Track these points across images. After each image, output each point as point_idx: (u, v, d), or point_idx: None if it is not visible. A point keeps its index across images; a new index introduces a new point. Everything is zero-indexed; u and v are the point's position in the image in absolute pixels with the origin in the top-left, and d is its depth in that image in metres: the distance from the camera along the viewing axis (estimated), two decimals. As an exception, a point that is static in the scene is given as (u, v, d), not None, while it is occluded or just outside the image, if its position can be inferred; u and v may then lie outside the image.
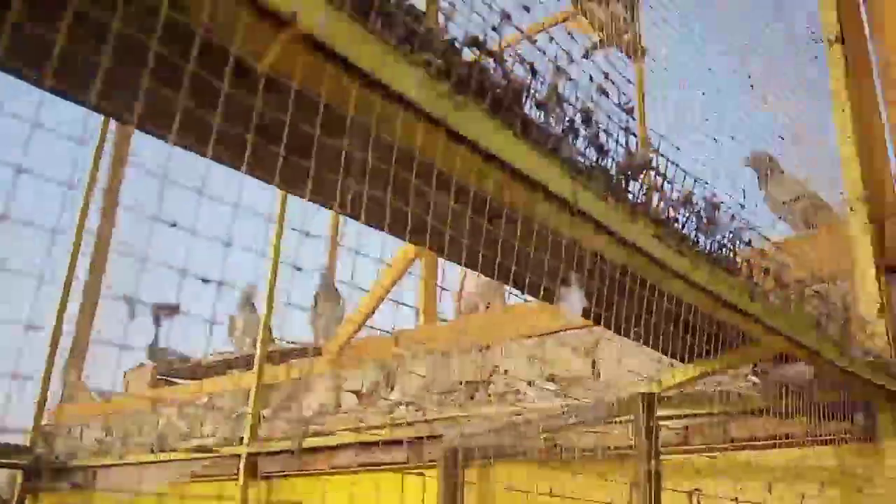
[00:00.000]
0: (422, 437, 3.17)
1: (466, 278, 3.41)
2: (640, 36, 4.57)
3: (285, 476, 3.53)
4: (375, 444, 3.14)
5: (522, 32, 0.96)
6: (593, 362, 3.06)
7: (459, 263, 1.15)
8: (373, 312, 3.60)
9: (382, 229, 0.96)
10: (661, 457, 2.68)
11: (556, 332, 3.05)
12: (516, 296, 3.56)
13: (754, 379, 2.59)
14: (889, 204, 2.45)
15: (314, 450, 3.33)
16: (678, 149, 1.33)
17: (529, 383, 3.05)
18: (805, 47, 2.58)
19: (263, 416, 3.73)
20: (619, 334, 1.72)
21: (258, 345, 3.75)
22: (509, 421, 2.75)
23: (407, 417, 3.27)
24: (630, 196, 1.20)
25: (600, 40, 4.58)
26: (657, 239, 1.23)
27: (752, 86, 1.92)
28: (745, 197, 1.54)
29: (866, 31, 2.69)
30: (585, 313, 1.25)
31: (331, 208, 0.89)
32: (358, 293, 3.50)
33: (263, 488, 3.56)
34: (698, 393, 2.59)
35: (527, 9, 1.45)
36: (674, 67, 3.18)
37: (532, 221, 1.03)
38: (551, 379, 3.04)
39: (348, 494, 3.17)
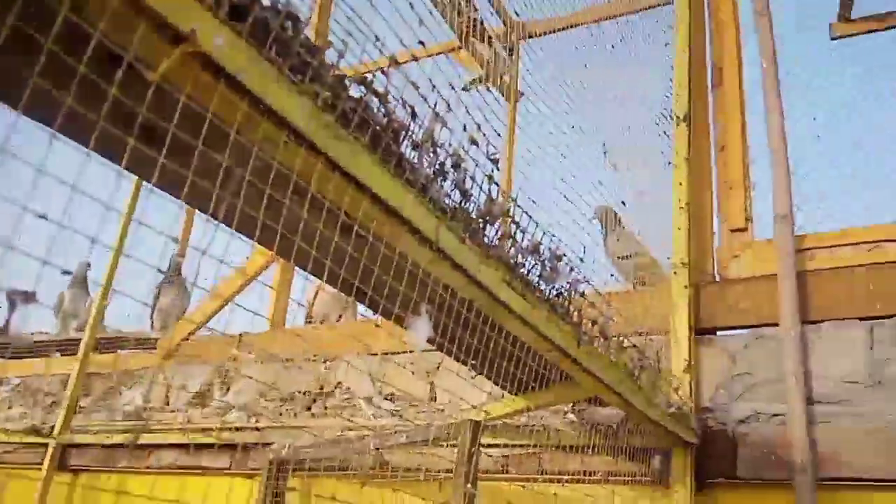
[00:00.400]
0: (249, 444, 3.12)
1: (320, 289, 3.42)
2: (517, 79, 4.81)
3: (97, 471, 3.33)
4: (202, 446, 3.05)
5: (409, 80, 1.02)
6: (431, 385, 3.16)
7: (320, 279, 1.19)
8: (217, 311, 3.51)
9: (251, 239, 0.98)
10: (480, 482, 2.82)
11: (399, 352, 3.12)
12: (363, 315, 3.60)
13: (572, 417, 2.80)
14: (707, 273, 2.76)
15: (138, 446, 3.18)
16: (533, 202, 1.45)
17: (367, 400, 3.10)
18: (658, 120, 2.85)
19: (81, 406, 3.50)
20: (458, 363, 1.83)
21: (86, 329, 3.53)
22: (342, 435, 2.78)
23: (237, 422, 3.20)
24: (486, 240, 1.29)
25: (481, 77, 4.76)
26: (505, 282, 1.34)
27: (605, 152, 2.11)
28: (584, 252, 1.69)
29: (710, 115, 3.03)
30: (430, 341, 1.33)
31: (203, 211, 0.91)
32: (204, 291, 3.40)
33: (72, 481, 3.34)
34: (520, 426, 2.76)
35: (422, 43, 1.53)
36: (543, 116, 3.38)
37: (394, 252, 1.09)
38: (389, 398, 3.11)
39: (172, 494, 3.05)
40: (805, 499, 2.33)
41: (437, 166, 1.17)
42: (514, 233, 1.41)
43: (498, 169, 1.32)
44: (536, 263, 1.50)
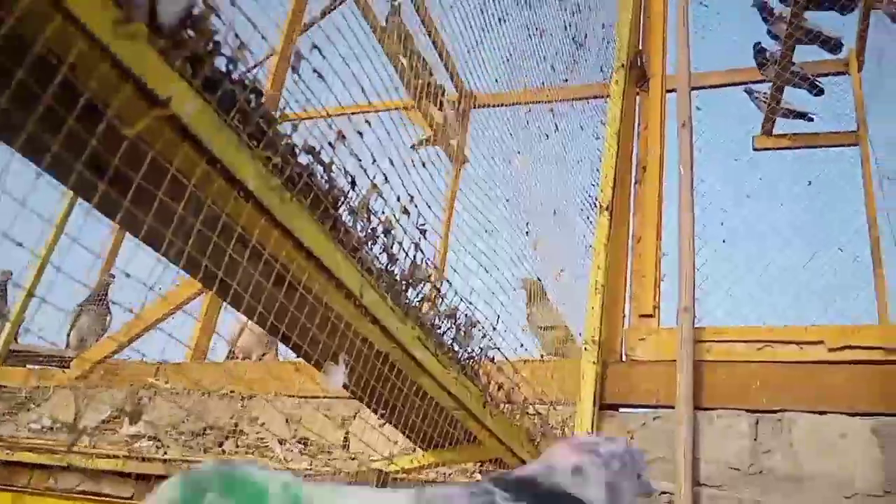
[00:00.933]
0: (153, 475, 3.09)
1: (245, 327, 3.46)
2: (465, 145, 5.02)
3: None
4: (106, 472, 3.01)
5: (354, 154, 1.16)
6: (346, 434, 3.22)
7: (250, 319, 1.29)
8: (138, 336, 3.49)
9: (194, 278, 1.08)
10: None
11: (317, 397, 3.18)
12: (284, 356, 3.63)
13: (478, 476, 2.91)
14: (615, 352, 2.95)
15: (33, 466, 3.10)
16: (455, 270, 1.59)
17: (280, 441, 3.13)
18: (583, 206, 3.07)
19: (-18, 420, 3.40)
20: (372, 412, 1.92)
21: (-1, 341, 3.46)
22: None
23: (145, 452, 3.17)
24: (406, 301, 1.42)
25: (429, 138, 4.96)
26: (420, 342, 1.46)
27: (527, 232, 2.28)
28: (499, 321, 1.83)
29: (631, 207, 3.28)
30: (345, 387, 1.43)
31: (155, 250, 1.01)
32: (127, 314, 3.39)
33: (-41, 499, 3.22)
34: (427, 481, 2.85)
35: (372, 104, 1.67)
36: (484, 184, 3.56)
37: (321, 303, 1.21)
38: (303, 441, 3.15)
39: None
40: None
41: (368, 231, 1.31)
42: (434, 297, 1.54)
43: (425, 238, 1.46)
44: (452, 327, 1.63)
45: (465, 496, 0.49)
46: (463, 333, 1.68)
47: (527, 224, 2.24)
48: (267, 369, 3.31)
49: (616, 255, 3.06)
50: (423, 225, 1.45)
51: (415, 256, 1.44)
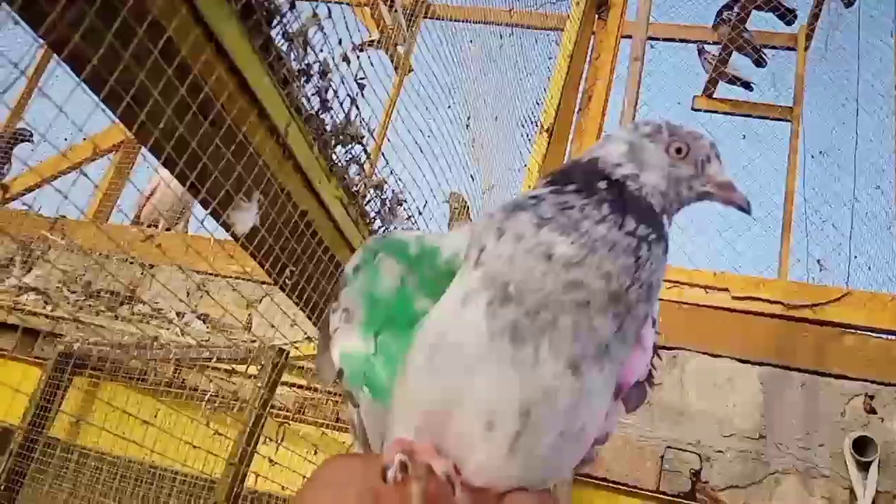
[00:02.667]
0: (40, 331, 2.94)
1: (159, 187, 3.26)
2: (411, 53, 4.83)
3: None
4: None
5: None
6: (249, 316, 3.13)
7: (158, 155, 1.16)
8: (37, 187, 3.26)
9: (108, 106, 0.95)
10: (278, 420, 2.84)
11: (224, 276, 3.07)
12: (202, 225, 3.49)
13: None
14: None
15: None
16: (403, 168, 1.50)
17: (179, 314, 3.02)
18: (524, 123, 3.00)
19: None
20: (284, 289, 1.83)
21: None
22: (141, 343, 2.69)
23: (31, 306, 3.00)
24: (333, 155, 1.33)
25: (378, 40, 4.75)
26: (340, 202, 1.38)
27: (467, 125, 2.21)
28: (426, 206, 1.77)
29: (571, 134, 3.25)
30: (250, 242, 1.33)
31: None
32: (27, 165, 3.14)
33: None
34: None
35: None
36: (428, 93, 3.43)
37: (237, 134, 1.10)
38: (203, 318, 3.05)
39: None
40: (563, 491, 2.56)
41: (303, 66, 1.20)
42: (362, 162, 1.45)
43: (363, 95, 1.36)
44: (377, 199, 1.55)
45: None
46: (388, 209, 1.60)
47: (468, 118, 2.15)
48: (174, 240, 3.16)
49: (549, 178, 3.03)
50: (363, 79, 1.35)
51: (349, 111, 1.34)
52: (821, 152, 4.16)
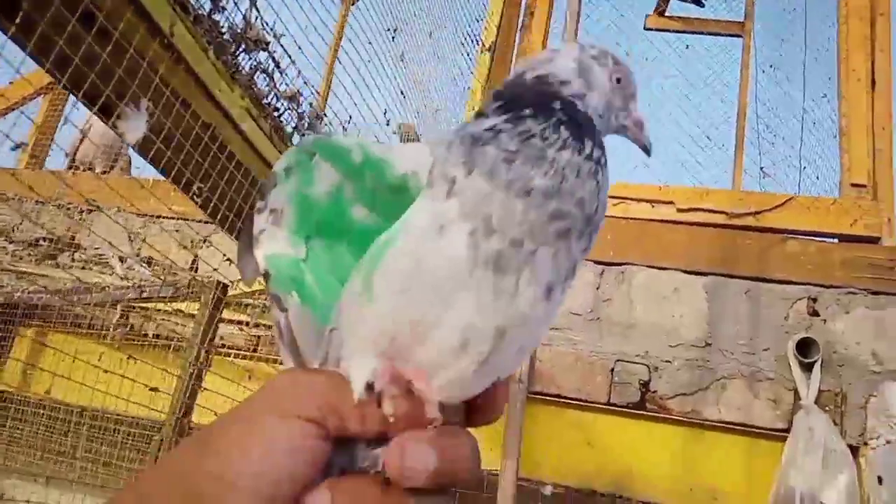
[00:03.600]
0: (-21, 285, 2.85)
1: (91, 130, 3.14)
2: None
3: None
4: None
5: None
6: (195, 257, 3.07)
7: (42, 64, 1.09)
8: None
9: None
10: (229, 359, 2.82)
11: (166, 217, 3.00)
12: (138, 168, 3.38)
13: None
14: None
15: None
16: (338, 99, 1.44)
17: (121, 259, 2.95)
18: (464, 41, 2.93)
19: None
20: (219, 223, 1.78)
21: None
22: (81, 289, 2.63)
23: (-33, 259, 2.91)
24: (234, 62, 1.27)
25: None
26: (248, 112, 1.33)
27: (401, 58, 2.14)
28: (350, 120, 1.71)
29: (515, 49, 3.18)
30: (147, 153, 1.26)
31: None
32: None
33: None
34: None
35: None
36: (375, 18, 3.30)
37: (112, 32, 1.03)
38: (146, 261, 2.98)
39: None
40: (516, 407, 2.59)
41: (188, -38, 1.13)
42: (271, 71, 1.39)
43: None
44: (292, 111, 1.50)
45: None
46: (306, 124, 1.55)
47: (401, 56, 2.08)
48: (112, 183, 3.06)
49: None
50: (262, -20, 1.28)
51: (247, 12, 1.27)
52: (771, 66, 4.15)
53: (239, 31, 1.27)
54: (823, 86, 3.81)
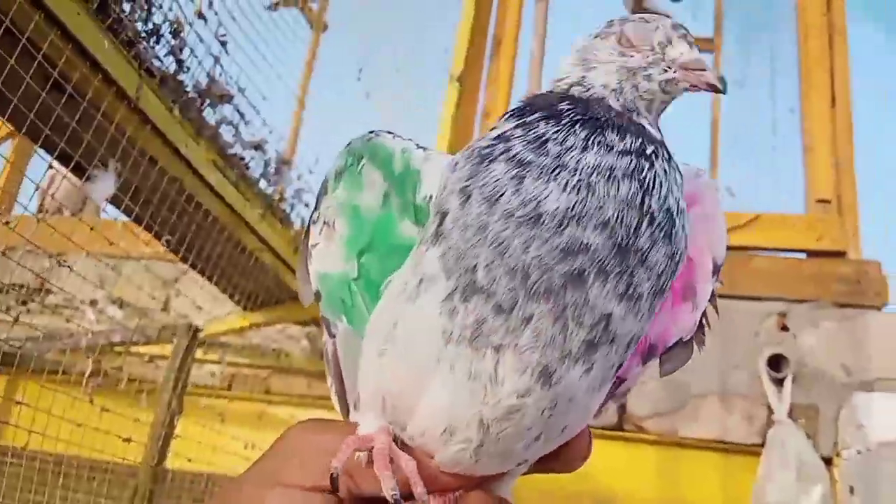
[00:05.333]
0: (-53, 334, 2.80)
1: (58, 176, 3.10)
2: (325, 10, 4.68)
3: None
4: None
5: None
6: (167, 297, 3.05)
7: (16, 129, 1.10)
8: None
9: None
10: (203, 398, 2.79)
11: (138, 258, 2.97)
12: (105, 212, 3.35)
13: (305, 343, 2.87)
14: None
15: None
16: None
17: (92, 302, 2.92)
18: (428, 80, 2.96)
19: None
20: (191, 267, 1.78)
21: None
22: (52, 334, 2.60)
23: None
24: (199, 117, 1.28)
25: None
26: (215, 165, 1.34)
27: (358, 78, 2.17)
28: (317, 162, 1.73)
29: (484, 77, 3.22)
30: (118, 209, 1.27)
31: None
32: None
33: None
34: (251, 345, 2.78)
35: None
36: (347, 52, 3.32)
37: (80, 101, 1.05)
38: (118, 302, 2.95)
39: None
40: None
41: (149, 26, 1.14)
42: (236, 123, 1.41)
43: (226, 50, 1.31)
44: (259, 160, 1.51)
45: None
46: (273, 170, 1.56)
47: (359, 71, 2.11)
48: (81, 225, 3.03)
49: (463, 129, 3.01)
50: (224, 36, 1.30)
51: (212, 70, 1.29)
52: (736, 81, 4.21)
53: (204, 87, 1.28)
54: (791, 101, 3.89)
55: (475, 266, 0.36)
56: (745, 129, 3.98)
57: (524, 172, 0.36)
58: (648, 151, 0.38)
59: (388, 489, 0.36)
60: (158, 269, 2.99)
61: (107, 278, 2.96)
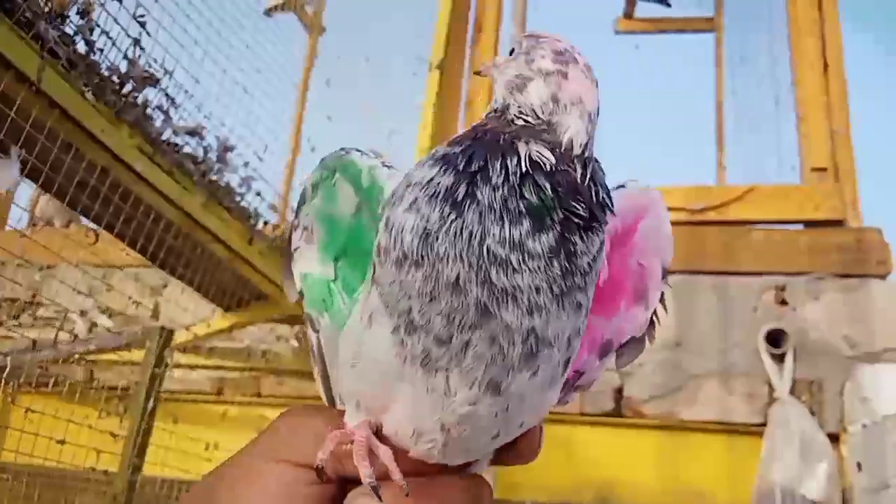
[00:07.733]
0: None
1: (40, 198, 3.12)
2: (322, 13, 4.68)
3: None
4: None
5: None
6: (156, 303, 3.04)
7: None
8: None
9: None
10: (193, 403, 2.77)
11: (125, 266, 2.96)
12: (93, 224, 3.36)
13: (294, 343, 2.83)
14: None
15: None
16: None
17: (82, 313, 2.91)
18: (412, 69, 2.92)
19: None
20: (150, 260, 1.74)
21: None
22: (39, 346, 2.59)
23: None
24: (119, 101, 1.24)
25: (285, 3, 4.57)
26: (142, 152, 1.30)
27: (327, 83, 2.12)
28: (266, 149, 1.68)
29: (466, 65, 3.17)
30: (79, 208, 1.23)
31: None
32: None
33: None
34: (237, 348, 2.75)
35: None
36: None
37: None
38: (107, 312, 2.95)
39: None
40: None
41: (53, 6, 1.10)
42: (167, 107, 1.37)
43: (148, 33, 1.27)
44: (196, 146, 1.47)
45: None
46: (215, 158, 1.52)
47: (327, 81, 2.07)
48: (68, 236, 3.03)
49: (446, 118, 2.96)
50: (143, 17, 1.26)
51: (131, 51, 1.25)
52: (741, 58, 4.13)
53: (121, 70, 1.24)
54: (791, 73, 3.80)
55: (409, 309, 0.38)
56: (748, 105, 3.90)
57: (429, 228, 0.37)
58: (525, 176, 0.38)
59: (366, 476, 0.41)
60: (146, 276, 2.98)
61: (95, 288, 2.95)
